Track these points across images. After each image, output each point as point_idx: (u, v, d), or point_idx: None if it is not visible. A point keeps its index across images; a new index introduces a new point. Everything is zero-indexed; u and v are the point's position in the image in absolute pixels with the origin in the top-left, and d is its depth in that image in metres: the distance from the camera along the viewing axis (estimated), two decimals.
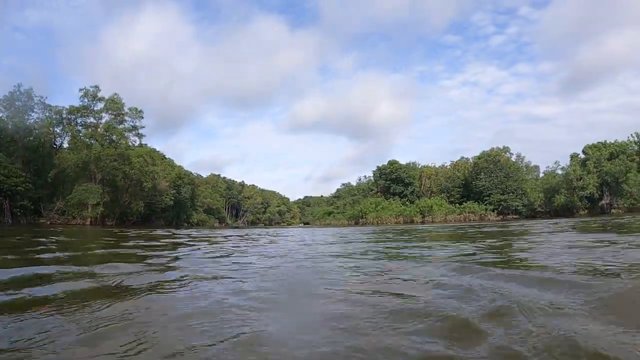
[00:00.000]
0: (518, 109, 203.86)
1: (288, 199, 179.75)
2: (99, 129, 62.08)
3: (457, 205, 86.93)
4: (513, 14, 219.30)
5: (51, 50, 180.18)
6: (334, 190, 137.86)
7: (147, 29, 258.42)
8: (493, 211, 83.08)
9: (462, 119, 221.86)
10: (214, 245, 12.93)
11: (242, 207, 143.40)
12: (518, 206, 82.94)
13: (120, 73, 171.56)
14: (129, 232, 24.38)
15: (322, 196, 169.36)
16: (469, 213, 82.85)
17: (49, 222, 52.84)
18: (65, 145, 62.46)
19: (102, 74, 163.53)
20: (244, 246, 12.35)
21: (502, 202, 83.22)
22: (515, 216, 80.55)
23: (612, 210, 66.37)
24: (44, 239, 13.97)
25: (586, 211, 70.37)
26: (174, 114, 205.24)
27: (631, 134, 74.57)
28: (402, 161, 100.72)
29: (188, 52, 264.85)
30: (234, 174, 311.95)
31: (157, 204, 71.33)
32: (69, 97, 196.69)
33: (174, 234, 23.40)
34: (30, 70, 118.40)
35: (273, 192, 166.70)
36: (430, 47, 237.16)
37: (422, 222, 76.02)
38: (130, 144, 64.83)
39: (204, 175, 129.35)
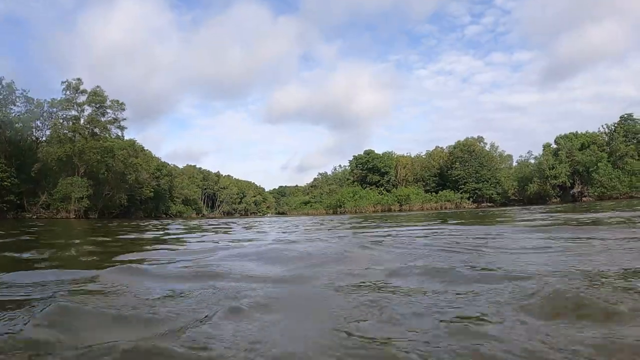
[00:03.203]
0: (493, 98, 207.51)
1: (263, 189, 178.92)
2: (81, 122, 60.97)
3: (433, 193, 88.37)
4: (489, 3, 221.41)
5: (21, 39, 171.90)
6: (309, 181, 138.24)
7: (123, 15, 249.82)
8: (468, 199, 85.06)
9: (437, 108, 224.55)
10: None
11: (218, 197, 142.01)
12: (492, 194, 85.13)
13: (94, 62, 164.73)
14: (143, 226, 21.99)
15: (297, 186, 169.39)
16: (445, 201, 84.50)
17: (35, 217, 52.13)
18: (47, 139, 61.20)
19: (75, 64, 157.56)
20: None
21: (477, 191, 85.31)
22: (489, 204, 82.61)
23: (583, 199, 68.56)
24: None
25: (558, 199, 72.62)
26: (149, 104, 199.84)
27: (601, 125, 77.16)
28: (378, 151, 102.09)
29: (165, 40, 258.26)
30: (209, 164, 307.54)
31: (137, 196, 70.32)
32: (40, 87, 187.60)
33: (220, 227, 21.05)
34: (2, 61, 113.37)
35: (249, 183, 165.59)
36: (406, 37, 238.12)
37: (400, 211, 76.80)
38: (110, 136, 64.12)
39: (180, 166, 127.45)
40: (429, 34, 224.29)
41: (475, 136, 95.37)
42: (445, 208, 78.11)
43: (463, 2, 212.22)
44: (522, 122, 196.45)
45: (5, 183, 49.73)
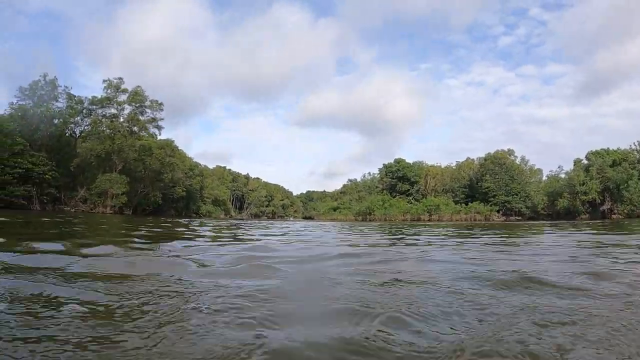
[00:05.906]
0: (521, 110, 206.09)
1: (291, 192, 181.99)
2: (121, 120, 64.49)
3: (463, 205, 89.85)
4: (524, 14, 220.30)
5: (57, 33, 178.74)
6: (336, 186, 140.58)
7: (161, 12, 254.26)
8: (498, 212, 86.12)
9: (464, 118, 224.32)
10: None
11: (246, 199, 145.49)
12: (521, 208, 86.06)
13: (129, 58, 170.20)
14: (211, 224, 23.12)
15: (324, 191, 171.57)
16: (474, 213, 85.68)
17: (73, 210, 55.18)
18: (85, 134, 64.32)
19: (108, 59, 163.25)
20: None
21: (507, 204, 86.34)
22: (518, 217, 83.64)
23: (613, 216, 69.42)
24: None
25: (587, 215, 73.30)
26: (180, 103, 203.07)
27: (633, 142, 77.60)
28: (407, 159, 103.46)
29: (202, 38, 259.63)
30: (238, 165, 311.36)
31: (170, 195, 73.65)
32: (73, 81, 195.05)
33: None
34: (36, 55, 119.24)
35: (277, 186, 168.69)
36: (440, 45, 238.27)
37: (429, 220, 78.48)
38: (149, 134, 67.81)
39: (211, 167, 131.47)
40: (460, 43, 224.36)
41: (506, 149, 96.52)
42: (475, 220, 79.73)
43: (497, 13, 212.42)
44: (549, 136, 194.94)
45: (46, 176, 53.06)
